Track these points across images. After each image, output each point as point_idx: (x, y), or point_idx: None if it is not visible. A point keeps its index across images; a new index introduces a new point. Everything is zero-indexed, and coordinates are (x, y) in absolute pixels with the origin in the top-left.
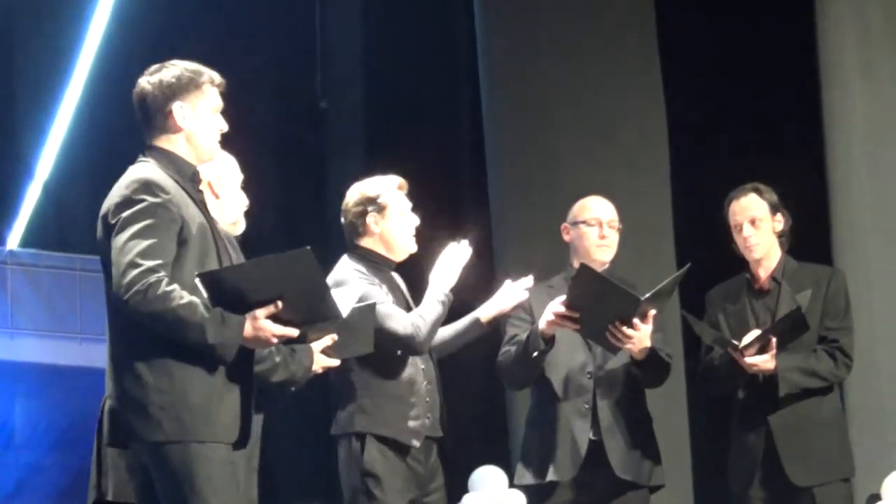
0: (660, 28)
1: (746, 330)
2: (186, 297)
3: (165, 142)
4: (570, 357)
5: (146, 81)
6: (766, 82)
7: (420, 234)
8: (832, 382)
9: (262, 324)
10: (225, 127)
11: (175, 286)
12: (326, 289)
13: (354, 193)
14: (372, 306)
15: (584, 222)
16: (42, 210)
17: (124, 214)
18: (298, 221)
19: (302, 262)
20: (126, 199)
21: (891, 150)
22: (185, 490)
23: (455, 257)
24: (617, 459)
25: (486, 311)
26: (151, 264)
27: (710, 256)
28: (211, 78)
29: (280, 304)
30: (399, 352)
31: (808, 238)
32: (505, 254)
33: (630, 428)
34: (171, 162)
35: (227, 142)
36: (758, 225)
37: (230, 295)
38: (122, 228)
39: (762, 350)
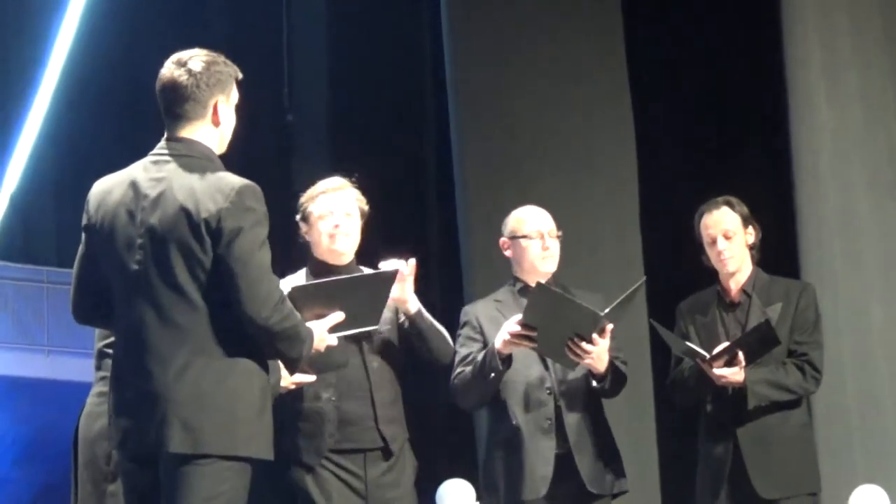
0: (627, 41)
1: (716, 342)
2: (298, 314)
3: (199, 135)
4: (527, 373)
5: (182, 71)
6: (733, 95)
7: (384, 248)
8: (801, 396)
9: (324, 335)
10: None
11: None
12: (384, 305)
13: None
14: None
15: (524, 236)
16: (8, 222)
17: (244, 224)
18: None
19: (384, 281)
20: (241, 206)
21: (857, 164)
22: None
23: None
24: (587, 473)
25: None
26: (276, 280)
27: (677, 268)
28: (237, 73)
29: (342, 315)
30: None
31: (775, 252)
32: (472, 265)
33: (596, 440)
34: (212, 158)
35: None
36: (731, 238)
37: (303, 306)
38: (247, 240)
39: (731, 362)
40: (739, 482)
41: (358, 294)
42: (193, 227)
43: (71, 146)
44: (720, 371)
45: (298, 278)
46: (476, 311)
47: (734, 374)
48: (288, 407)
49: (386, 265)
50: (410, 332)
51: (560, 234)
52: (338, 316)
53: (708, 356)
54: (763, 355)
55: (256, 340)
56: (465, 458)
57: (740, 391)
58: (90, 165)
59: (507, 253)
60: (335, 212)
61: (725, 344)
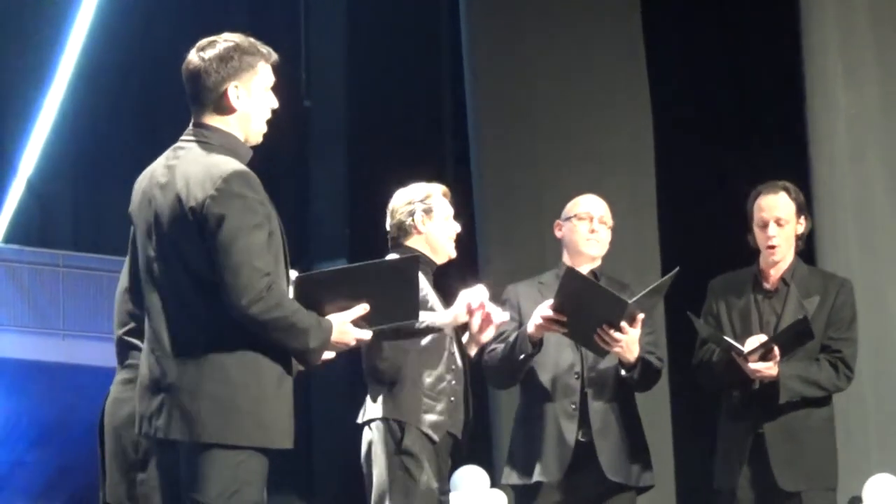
0: (646, 31)
1: (750, 328)
2: (295, 304)
3: (219, 121)
4: (558, 357)
5: (199, 57)
6: (750, 83)
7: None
8: (831, 392)
9: (347, 328)
10: (276, 104)
11: (284, 290)
12: (416, 296)
13: (403, 195)
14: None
15: (574, 216)
16: (25, 206)
17: (226, 212)
18: (281, 217)
19: (405, 269)
20: (225, 194)
21: (873, 151)
22: (233, 492)
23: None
24: (607, 461)
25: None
26: (265, 268)
27: (693, 259)
28: (265, 55)
29: (367, 308)
30: None
31: None
32: (489, 253)
33: (620, 429)
34: (231, 145)
35: None
36: (783, 225)
37: (319, 297)
38: (229, 228)
39: (765, 355)
40: (760, 471)
41: (380, 284)
42: (184, 216)
43: (88, 132)
44: (755, 366)
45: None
46: (518, 290)
47: (768, 369)
48: (412, 380)
49: (468, 295)
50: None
51: (612, 224)
52: (361, 308)
53: (745, 351)
54: (796, 349)
55: (251, 331)
56: (480, 445)
57: (770, 383)
58: (106, 151)
59: (559, 234)
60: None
61: (763, 338)
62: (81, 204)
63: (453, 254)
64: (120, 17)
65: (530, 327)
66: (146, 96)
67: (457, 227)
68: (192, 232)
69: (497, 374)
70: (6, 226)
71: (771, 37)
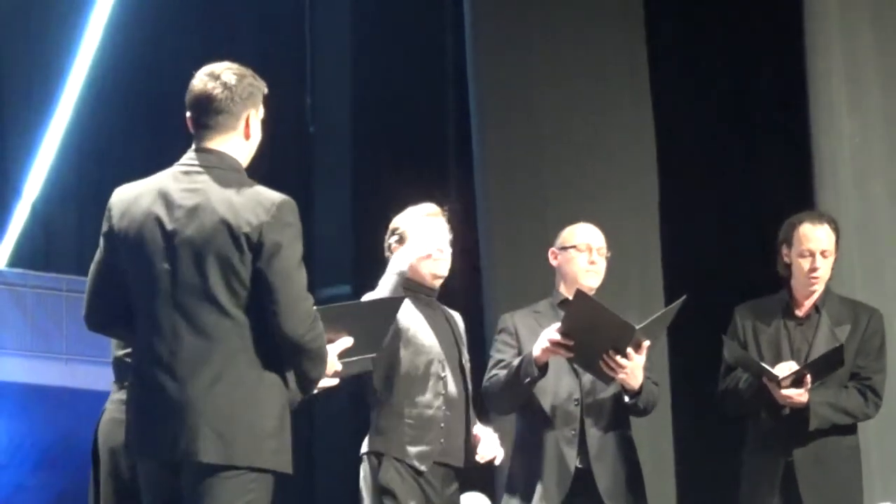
0: (650, 44)
1: (779, 355)
2: (325, 334)
3: (229, 147)
4: (557, 385)
5: (217, 83)
6: (755, 106)
7: None
8: (860, 420)
9: (333, 359)
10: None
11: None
12: (386, 332)
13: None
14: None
15: (572, 247)
16: (29, 230)
17: (284, 240)
18: None
19: (392, 307)
20: (281, 222)
21: (878, 177)
22: None
23: None
24: (605, 487)
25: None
26: (311, 298)
27: (697, 285)
28: (265, 88)
29: (352, 340)
30: None
31: None
32: (493, 277)
33: (617, 456)
34: (242, 172)
35: None
36: (827, 257)
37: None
38: (287, 256)
39: (797, 382)
40: (791, 499)
41: (366, 319)
42: (235, 240)
43: (93, 155)
44: (787, 392)
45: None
46: (515, 319)
47: (799, 396)
48: (395, 410)
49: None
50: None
51: (609, 254)
52: (347, 341)
53: (780, 377)
54: (827, 376)
55: (285, 356)
56: (482, 471)
57: (799, 410)
58: (112, 174)
59: (554, 263)
60: (440, 236)
61: (794, 365)
62: (86, 228)
63: (438, 272)
64: (125, 41)
65: (536, 351)
66: (152, 121)
67: (439, 246)
68: (243, 256)
69: (499, 399)
70: (10, 249)
71: (776, 63)
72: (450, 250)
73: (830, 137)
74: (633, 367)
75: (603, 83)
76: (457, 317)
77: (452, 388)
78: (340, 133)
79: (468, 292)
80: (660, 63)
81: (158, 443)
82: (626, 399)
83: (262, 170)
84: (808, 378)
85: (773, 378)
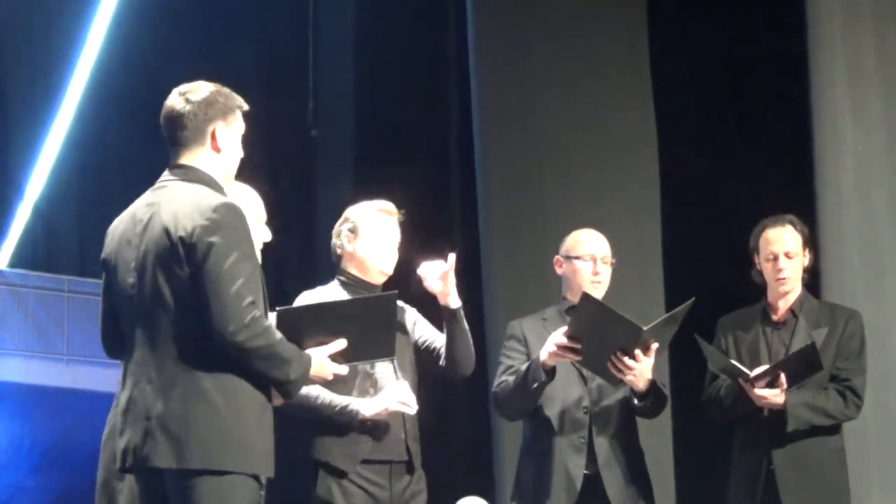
0: (652, 47)
1: (759, 360)
2: (279, 334)
3: (200, 162)
4: (566, 391)
5: (183, 99)
6: (758, 115)
7: (410, 263)
8: (840, 421)
9: (325, 362)
10: (242, 154)
11: (269, 321)
12: (392, 333)
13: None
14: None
15: (577, 258)
16: (31, 231)
17: (216, 241)
18: (288, 249)
19: (384, 305)
20: (216, 224)
21: (880, 187)
22: None
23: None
24: (615, 494)
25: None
26: (251, 298)
27: (699, 291)
28: (241, 104)
29: (345, 342)
30: None
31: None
32: (494, 283)
33: (626, 462)
34: (212, 183)
35: None
36: (792, 258)
37: (299, 331)
38: (218, 256)
39: (772, 383)
40: (772, 501)
41: (359, 320)
42: (173, 246)
43: (95, 156)
44: (761, 392)
45: (332, 290)
46: (522, 326)
47: (775, 396)
48: (322, 412)
49: (427, 266)
50: (447, 329)
51: (614, 261)
52: (339, 343)
53: (750, 375)
54: (805, 379)
55: (236, 359)
56: (482, 476)
57: (779, 412)
58: (114, 176)
59: (559, 271)
60: (391, 234)
61: (767, 365)
62: (87, 229)
63: (386, 269)
64: (128, 43)
65: (543, 355)
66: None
67: (391, 242)
68: (180, 261)
69: (509, 405)
70: (12, 250)
71: (779, 69)
72: (396, 252)
73: (833, 146)
74: (640, 369)
75: (605, 85)
76: (405, 307)
77: (385, 383)
78: (343, 136)
79: (468, 294)
80: (662, 67)
81: (128, 452)
82: (636, 402)
83: (265, 174)
84: (783, 378)
85: (745, 376)
